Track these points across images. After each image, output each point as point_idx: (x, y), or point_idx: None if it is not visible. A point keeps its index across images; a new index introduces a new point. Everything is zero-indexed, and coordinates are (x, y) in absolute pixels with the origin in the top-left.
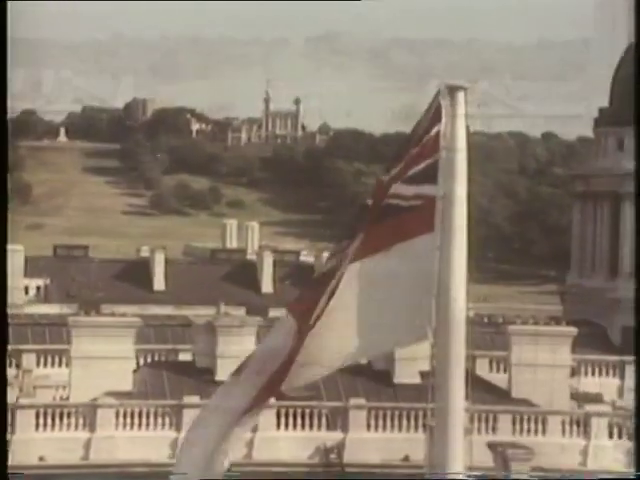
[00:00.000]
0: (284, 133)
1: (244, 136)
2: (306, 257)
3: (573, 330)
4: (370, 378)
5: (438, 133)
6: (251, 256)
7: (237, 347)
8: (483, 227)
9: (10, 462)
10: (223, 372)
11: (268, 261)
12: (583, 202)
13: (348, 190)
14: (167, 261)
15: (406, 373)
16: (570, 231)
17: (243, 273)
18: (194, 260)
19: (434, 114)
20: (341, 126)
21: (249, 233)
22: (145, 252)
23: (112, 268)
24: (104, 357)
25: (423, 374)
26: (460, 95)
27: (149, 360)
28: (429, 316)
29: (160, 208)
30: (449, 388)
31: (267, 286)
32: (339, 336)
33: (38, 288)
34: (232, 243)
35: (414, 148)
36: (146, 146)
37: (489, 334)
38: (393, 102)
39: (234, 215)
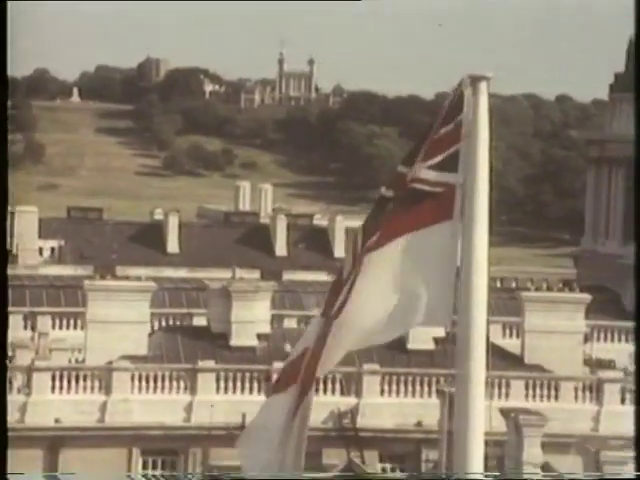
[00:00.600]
0: (298, 95)
1: (257, 98)
2: (319, 220)
3: (587, 297)
4: (384, 344)
5: (460, 122)
6: (265, 219)
7: (251, 312)
8: (497, 190)
9: (26, 424)
10: (238, 337)
11: (282, 224)
12: (598, 167)
13: (361, 152)
14: (181, 224)
15: (420, 339)
16: (584, 194)
17: (257, 236)
18: (208, 223)
19: (456, 103)
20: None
21: (262, 195)
22: (159, 215)
23: (126, 230)
24: (119, 321)
25: (437, 340)
26: (483, 85)
27: (164, 324)
28: (449, 305)
29: (173, 169)
30: (470, 356)
31: (281, 249)
32: (361, 320)
33: (52, 249)
34: (245, 205)
35: (437, 134)
36: (159, 107)
37: (502, 299)
38: None
39: (247, 176)
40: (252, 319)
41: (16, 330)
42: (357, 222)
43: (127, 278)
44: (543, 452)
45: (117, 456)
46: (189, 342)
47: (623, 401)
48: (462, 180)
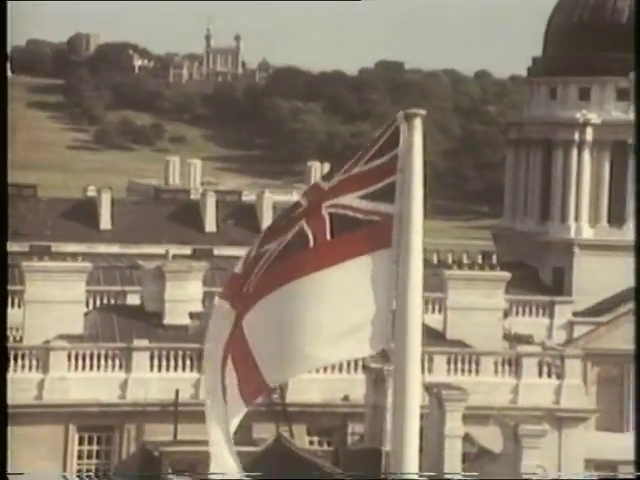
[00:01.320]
0: (225, 70)
1: (185, 72)
2: (247, 197)
3: (507, 275)
4: None
5: (396, 156)
6: (195, 196)
7: (184, 291)
8: None
9: None
10: (171, 316)
11: (211, 201)
12: (516, 149)
13: (286, 127)
14: (113, 200)
15: None
16: (502, 168)
17: (187, 213)
18: (140, 199)
19: (392, 138)
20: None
21: (191, 170)
22: (92, 191)
23: (60, 207)
24: (56, 301)
25: None
26: (417, 121)
27: (98, 301)
28: (387, 329)
29: (104, 143)
30: (408, 334)
31: (211, 225)
32: (290, 346)
33: None
34: (175, 179)
35: (368, 165)
36: (90, 82)
37: (425, 276)
38: None
39: (176, 150)
40: (185, 298)
41: None
42: (283, 197)
43: (64, 259)
44: (464, 423)
45: (54, 432)
46: (124, 321)
47: (540, 374)
48: (399, 210)
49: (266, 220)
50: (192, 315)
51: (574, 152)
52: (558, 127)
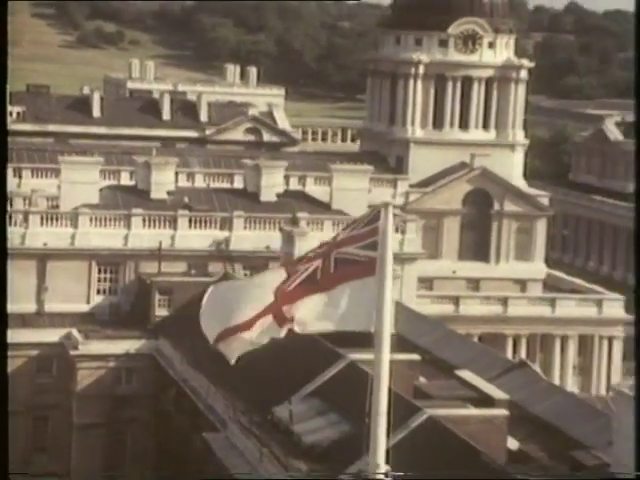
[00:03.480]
0: None
1: None
2: (190, 95)
3: (371, 168)
4: (246, 197)
5: (377, 227)
6: (155, 95)
7: (164, 177)
8: (297, 65)
9: (25, 245)
10: (155, 193)
11: (167, 99)
12: (373, 77)
13: (208, 36)
14: (101, 97)
15: (268, 195)
16: (355, 68)
17: (150, 106)
18: (119, 97)
19: (375, 216)
20: None
21: (147, 69)
22: (86, 90)
23: (65, 101)
24: (81, 182)
25: (279, 196)
26: (390, 207)
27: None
28: (371, 315)
29: (84, 43)
30: (382, 330)
31: (166, 115)
32: (319, 315)
33: (18, 113)
34: (136, 74)
35: (363, 230)
36: None
37: (316, 160)
38: None
39: (134, 50)
40: (164, 181)
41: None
42: (209, 88)
43: (85, 154)
44: None
45: (81, 266)
46: (125, 196)
47: (397, 231)
48: (379, 255)
49: (203, 113)
50: (169, 192)
51: (411, 81)
52: (401, 64)
